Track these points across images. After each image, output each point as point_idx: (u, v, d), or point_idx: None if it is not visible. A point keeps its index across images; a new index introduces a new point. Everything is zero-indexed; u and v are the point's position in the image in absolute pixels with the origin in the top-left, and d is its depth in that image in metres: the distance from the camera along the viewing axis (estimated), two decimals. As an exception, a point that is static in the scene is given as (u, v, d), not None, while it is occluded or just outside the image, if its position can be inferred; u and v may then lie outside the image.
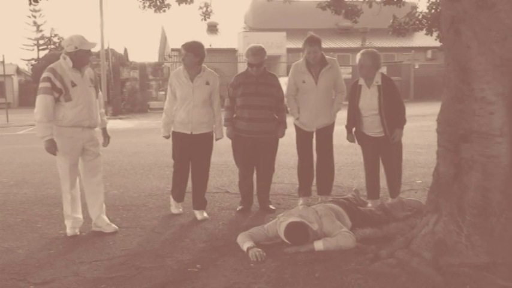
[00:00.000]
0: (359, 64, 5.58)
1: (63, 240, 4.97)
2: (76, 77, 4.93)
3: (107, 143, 5.41)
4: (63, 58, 4.94)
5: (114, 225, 5.22)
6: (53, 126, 4.87)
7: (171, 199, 5.86)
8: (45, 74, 4.86)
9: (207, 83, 5.51)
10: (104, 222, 5.18)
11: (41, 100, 4.81)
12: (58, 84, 4.83)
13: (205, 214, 5.61)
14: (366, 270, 3.76)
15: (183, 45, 5.48)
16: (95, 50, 31.52)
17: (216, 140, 5.73)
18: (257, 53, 5.63)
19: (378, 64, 5.56)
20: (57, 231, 5.24)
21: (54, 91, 4.83)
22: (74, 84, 4.90)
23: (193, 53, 5.41)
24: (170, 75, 5.73)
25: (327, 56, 5.94)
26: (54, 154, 4.89)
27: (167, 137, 5.72)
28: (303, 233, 4.35)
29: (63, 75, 4.86)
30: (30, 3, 7.10)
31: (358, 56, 5.59)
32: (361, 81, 5.64)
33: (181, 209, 5.81)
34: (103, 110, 5.44)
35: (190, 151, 5.58)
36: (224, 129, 5.79)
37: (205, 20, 10.72)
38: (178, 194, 5.79)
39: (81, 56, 4.92)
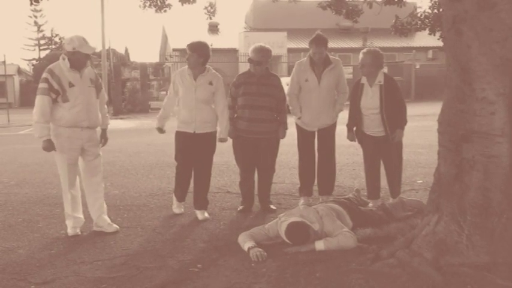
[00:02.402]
0: (360, 63, 5.59)
1: (64, 240, 4.97)
2: (74, 77, 4.94)
3: (104, 144, 5.36)
4: (62, 59, 4.96)
5: (115, 225, 5.22)
6: (51, 126, 4.90)
7: (174, 198, 5.86)
8: (43, 75, 4.90)
9: (210, 83, 5.50)
10: (105, 222, 5.19)
11: (39, 101, 4.86)
12: (55, 85, 4.86)
13: (206, 214, 5.61)
14: (366, 270, 3.76)
15: (188, 45, 5.48)
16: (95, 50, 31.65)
17: (219, 140, 5.68)
18: (260, 51, 5.64)
19: (379, 63, 5.57)
20: (58, 231, 5.24)
21: (51, 92, 4.86)
22: (71, 85, 4.91)
23: (197, 54, 5.42)
24: (174, 73, 5.74)
25: (331, 56, 5.94)
26: (54, 150, 4.91)
27: (160, 130, 5.75)
28: (303, 233, 4.35)
29: (61, 76, 4.88)
30: (31, 3, 7.11)
31: (360, 55, 5.61)
32: (364, 80, 5.64)
33: (183, 209, 5.81)
34: (106, 110, 5.40)
35: (193, 151, 5.57)
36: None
37: (210, 18, 10.77)
38: (180, 194, 5.78)
39: (78, 58, 4.93)
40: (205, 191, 5.71)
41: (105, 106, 5.42)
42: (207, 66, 5.54)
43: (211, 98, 5.55)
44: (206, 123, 5.53)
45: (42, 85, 4.87)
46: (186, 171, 5.69)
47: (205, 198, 5.70)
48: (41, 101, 4.85)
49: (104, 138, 5.38)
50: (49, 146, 4.87)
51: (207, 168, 5.70)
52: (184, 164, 5.66)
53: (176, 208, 5.82)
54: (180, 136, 5.59)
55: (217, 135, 5.71)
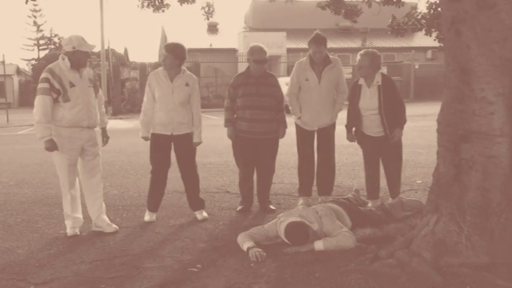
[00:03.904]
0: (358, 65, 5.61)
1: (64, 240, 4.97)
2: (74, 77, 4.95)
3: (105, 143, 5.41)
4: (61, 58, 4.96)
5: (114, 225, 5.22)
6: (52, 127, 4.89)
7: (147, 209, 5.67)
8: (43, 75, 4.88)
9: (187, 84, 5.46)
10: (104, 222, 5.19)
11: (40, 101, 4.84)
12: (56, 85, 4.85)
13: (204, 213, 5.60)
14: (366, 270, 3.76)
15: (165, 46, 5.45)
16: (95, 50, 31.40)
17: (195, 144, 5.57)
18: (260, 50, 5.67)
19: (376, 65, 5.57)
20: (58, 231, 5.24)
21: (52, 92, 4.84)
22: (72, 85, 4.91)
23: (174, 55, 5.37)
24: (149, 75, 5.65)
25: (330, 56, 5.96)
26: (57, 149, 4.90)
27: (146, 139, 5.57)
28: (303, 233, 4.35)
29: (61, 75, 4.88)
30: (27, 2, 7.11)
31: (358, 56, 5.62)
32: (361, 81, 5.65)
33: (154, 217, 5.58)
34: (103, 110, 5.43)
35: (170, 153, 5.49)
36: (224, 130, 5.76)
37: (207, 19, 10.77)
38: (153, 202, 5.61)
39: (78, 57, 4.93)
40: (197, 191, 5.67)
41: (103, 106, 5.42)
42: (182, 67, 5.51)
43: (187, 100, 5.49)
44: (183, 125, 5.47)
45: (42, 85, 4.85)
46: (162, 175, 5.56)
47: (199, 198, 5.67)
48: (42, 100, 4.83)
49: (105, 137, 5.39)
50: (52, 146, 4.86)
51: (192, 168, 5.62)
52: (161, 167, 5.54)
53: (147, 216, 5.59)
54: (157, 138, 5.50)
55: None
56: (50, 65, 4.99)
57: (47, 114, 4.84)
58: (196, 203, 5.65)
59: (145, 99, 5.59)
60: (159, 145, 5.49)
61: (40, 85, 4.88)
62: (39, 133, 4.88)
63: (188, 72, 5.59)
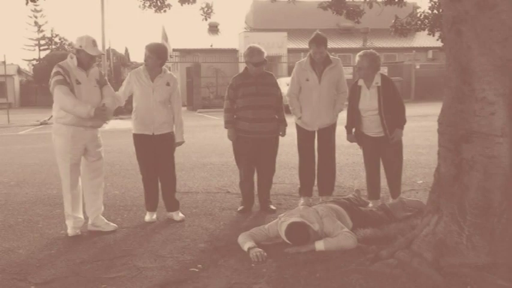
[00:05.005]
0: (357, 66, 5.61)
1: (64, 240, 4.98)
2: (81, 75, 5.00)
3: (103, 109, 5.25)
4: (70, 57, 5.04)
5: (113, 224, 5.23)
6: (55, 125, 4.90)
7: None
8: (55, 69, 4.93)
9: (168, 84, 5.48)
10: (103, 222, 5.21)
11: (59, 91, 4.84)
12: (67, 78, 4.90)
13: (181, 214, 5.58)
14: (366, 270, 3.76)
15: (147, 47, 5.46)
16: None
17: (177, 144, 5.61)
18: (259, 52, 5.66)
19: (376, 66, 5.56)
20: (58, 231, 5.25)
21: (66, 83, 4.87)
22: (78, 83, 4.97)
23: (156, 56, 5.40)
24: (130, 73, 5.67)
25: (331, 56, 5.96)
26: (106, 120, 5.03)
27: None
28: (303, 233, 4.35)
29: (69, 72, 4.94)
30: (27, 3, 7.10)
31: (357, 57, 5.61)
32: (361, 82, 5.65)
33: (154, 216, 5.63)
34: (114, 95, 5.34)
35: (154, 152, 5.49)
36: (224, 130, 5.75)
37: (206, 20, 10.76)
38: (150, 202, 5.65)
39: (81, 57, 4.98)
40: (173, 192, 5.65)
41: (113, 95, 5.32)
42: (163, 67, 5.54)
43: (168, 99, 5.51)
44: (164, 124, 5.47)
45: (57, 77, 4.87)
46: (152, 174, 5.59)
47: (175, 199, 5.65)
48: (62, 90, 4.82)
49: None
50: (100, 113, 4.89)
51: (170, 168, 5.61)
52: (149, 166, 5.56)
53: (147, 216, 5.63)
54: (139, 139, 5.50)
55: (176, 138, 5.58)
56: (59, 62, 5.06)
57: (73, 97, 4.83)
58: (172, 204, 5.63)
59: (119, 91, 5.60)
60: (142, 145, 5.51)
61: (54, 78, 4.88)
62: (83, 113, 4.85)
63: (169, 72, 5.63)
